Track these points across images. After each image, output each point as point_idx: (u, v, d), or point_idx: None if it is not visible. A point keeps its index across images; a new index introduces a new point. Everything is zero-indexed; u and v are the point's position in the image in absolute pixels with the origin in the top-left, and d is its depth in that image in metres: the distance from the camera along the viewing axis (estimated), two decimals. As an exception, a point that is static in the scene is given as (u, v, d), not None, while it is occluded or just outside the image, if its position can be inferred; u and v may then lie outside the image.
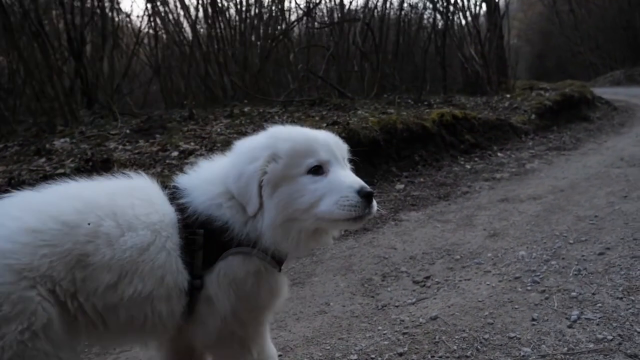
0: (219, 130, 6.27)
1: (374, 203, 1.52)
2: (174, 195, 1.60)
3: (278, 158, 1.52)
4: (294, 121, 6.82)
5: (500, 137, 7.90)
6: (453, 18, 15.47)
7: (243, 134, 6.04)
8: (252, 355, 1.64)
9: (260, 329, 1.68)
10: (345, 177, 1.53)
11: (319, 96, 8.93)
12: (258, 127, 6.53)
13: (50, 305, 1.34)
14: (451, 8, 14.65)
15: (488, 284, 2.93)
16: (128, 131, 6.20)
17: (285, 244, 1.53)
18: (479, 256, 3.43)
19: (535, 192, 5.03)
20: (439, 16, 14.80)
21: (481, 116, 7.78)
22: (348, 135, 5.69)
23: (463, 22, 18.95)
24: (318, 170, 1.53)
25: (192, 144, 5.58)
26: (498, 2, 19.79)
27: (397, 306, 2.77)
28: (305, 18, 11.27)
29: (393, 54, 13.11)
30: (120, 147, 5.50)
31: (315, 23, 11.25)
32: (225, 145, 5.47)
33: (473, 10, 16.73)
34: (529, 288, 2.79)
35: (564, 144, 7.85)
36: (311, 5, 11.26)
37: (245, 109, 7.85)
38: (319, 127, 6.19)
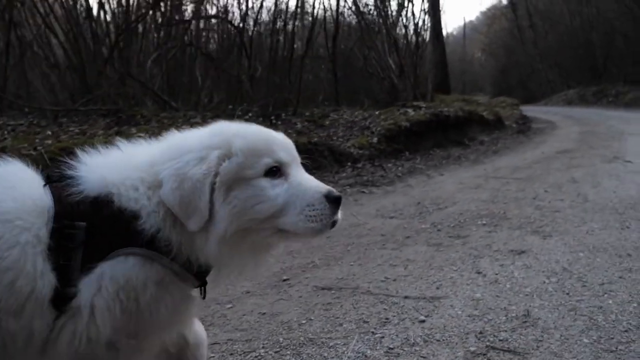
0: None
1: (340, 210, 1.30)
2: (56, 182, 1.24)
3: (231, 156, 1.23)
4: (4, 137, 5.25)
5: (307, 166, 6.37)
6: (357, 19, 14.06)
7: None
8: None
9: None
10: (309, 181, 1.31)
11: (115, 106, 7.39)
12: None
13: None
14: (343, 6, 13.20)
15: None
16: None
17: (231, 260, 1.26)
18: None
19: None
20: (331, 16, 13.34)
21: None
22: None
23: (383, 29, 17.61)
24: (276, 172, 1.28)
25: None
26: (432, 13, 18.52)
27: None
28: (152, 13, 9.73)
29: (285, 60, 11.60)
30: None
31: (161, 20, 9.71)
32: None
33: (390, 15, 15.31)
34: None
35: (381, 178, 6.34)
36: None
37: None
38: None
